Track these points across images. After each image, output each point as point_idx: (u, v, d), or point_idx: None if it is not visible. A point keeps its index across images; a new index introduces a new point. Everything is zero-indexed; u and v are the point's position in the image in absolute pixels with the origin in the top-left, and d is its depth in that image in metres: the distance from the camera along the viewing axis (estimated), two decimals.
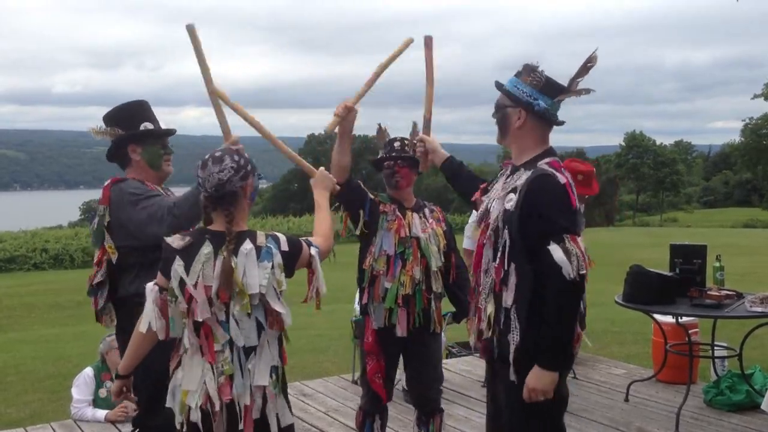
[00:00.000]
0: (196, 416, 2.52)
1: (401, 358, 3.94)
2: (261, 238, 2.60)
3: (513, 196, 2.71)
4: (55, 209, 79.85)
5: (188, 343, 2.57)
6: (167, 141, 3.46)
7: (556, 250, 2.55)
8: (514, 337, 2.66)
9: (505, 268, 2.70)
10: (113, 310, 3.37)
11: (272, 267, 2.56)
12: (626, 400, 5.31)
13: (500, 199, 2.79)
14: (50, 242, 23.56)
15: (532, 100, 2.76)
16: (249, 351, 2.57)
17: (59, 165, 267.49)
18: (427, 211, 3.95)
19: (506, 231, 2.70)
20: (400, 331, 3.75)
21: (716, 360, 5.49)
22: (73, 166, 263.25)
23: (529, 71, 2.80)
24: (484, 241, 2.82)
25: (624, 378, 5.78)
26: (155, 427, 3.26)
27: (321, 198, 3.03)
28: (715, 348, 5.43)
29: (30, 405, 6.01)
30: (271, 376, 2.63)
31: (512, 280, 2.68)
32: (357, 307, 5.77)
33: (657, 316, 5.41)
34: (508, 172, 2.90)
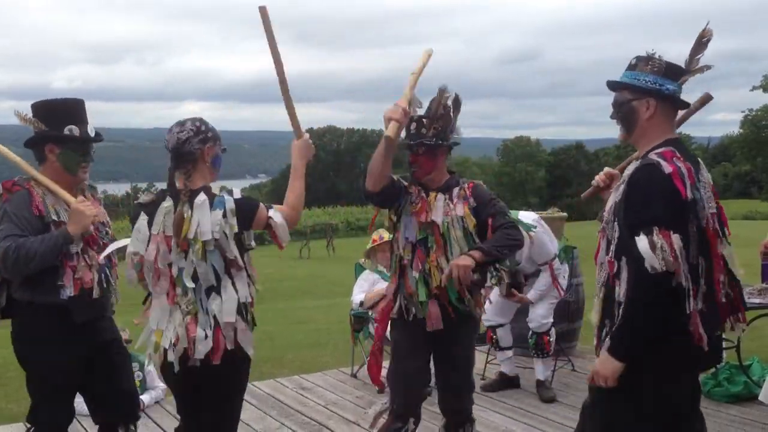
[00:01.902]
0: (172, 356, 2.81)
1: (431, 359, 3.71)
2: (216, 191, 2.87)
3: (622, 187, 2.67)
4: None
5: (154, 289, 2.88)
6: (90, 148, 3.35)
7: (641, 241, 2.48)
8: None
9: (617, 261, 2.64)
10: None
11: (224, 214, 2.79)
12: None
13: (615, 190, 2.75)
14: None
15: (659, 86, 2.68)
16: (209, 291, 2.81)
17: None
18: (456, 190, 3.59)
19: (615, 223, 2.66)
20: (429, 325, 3.51)
21: None
22: None
23: (646, 60, 2.73)
24: (600, 235, 2.78)
25: None
26: (47, 422, 3.31)
27: (299, 164, 3.13)
28: None
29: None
30: (240, 313, 2.85)
31: (623, 274, 2.61)
32: (355, 299, 5.78)
33: None
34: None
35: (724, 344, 5.57)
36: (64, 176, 3.27)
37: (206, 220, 2.78)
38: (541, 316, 5.34)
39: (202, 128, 2.90)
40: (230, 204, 2.82)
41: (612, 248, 2.67)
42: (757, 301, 4.67)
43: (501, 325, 5.47)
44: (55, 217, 3.15)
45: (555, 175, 65.19)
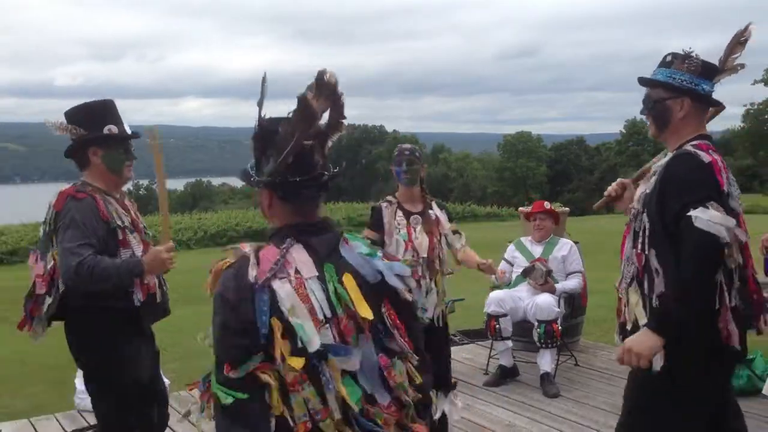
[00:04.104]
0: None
1: None
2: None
3: (654, 178, 2.63)
4: None
5: None
6: (131, 145, 3.35)
7: (700, 214, 2.40)
8: None
9: (646, 253, 2.59)
10: (47, 323, 3.34)
11: None
12: None
13: (644, 182, 2.73)
14: None
15: (695, 86, 2.66)
16: None
17: (59, 158, 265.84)
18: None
19: (644, 214, 2.62)
20: None
21: None
22: None
23: (682, 59, 2.70)
24: (627, 230, 2.73)
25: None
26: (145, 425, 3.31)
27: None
28: None
29: (34, 396, 6.03)
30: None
31: (653, 266, 2.57)
32: None
33: None
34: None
35: None
36: (110, 178, 3.27)
37: None
38: (551, 304, 5.36)
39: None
40: None
41: (640, 241, 2.62)
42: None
43: (504, 315, 5.48)
44: (119, 223, 3.18)
45: (556, 171, 65.11)
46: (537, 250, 5.77)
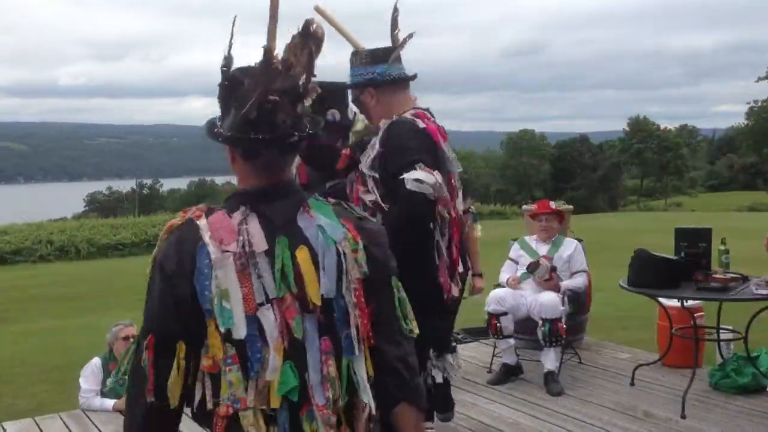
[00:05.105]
0: None
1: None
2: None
3: (377, 141, 2.97)
4: (59, 201, 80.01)
5: None
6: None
7: (409, 175, 2.79)
8: None
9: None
10: None
11: None
12: (632, 384, 5.32)
13: (370, 147, 3.04)
14: (55, 234, 23.59)
15: (370, 75, 2.99)
16: None
17: (62, 157, 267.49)
18: None
19: (375, 174, 2.96)
20: None
21: (722, 343, 5.49)
22: (76, 159, 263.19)
23: (354, 56, 3.05)
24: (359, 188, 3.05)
25: (629, 362, 5.79)
26: None
27: None
28: (721, 331, 5.42)
29: (38, 396, 6.05)
30: None
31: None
32: None
33: (662, 300, 5.40)
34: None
35: (731, 335, 5.58)
36: None
37: None
38: (555, 302, 5.35)
39: None
40: None
41: (377, 195, 2.96)
42: (765, 292, 4.65)
43: (505, 314, 5.47)
44: None
45: (559, 168, 65.08)
46: (542, 250, 5.76)
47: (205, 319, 1.62)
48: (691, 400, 4.82)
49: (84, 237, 23.69)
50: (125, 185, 76.49)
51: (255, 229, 1.66)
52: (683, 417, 4.61)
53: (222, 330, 1.61)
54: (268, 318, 1.63)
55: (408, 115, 2.92)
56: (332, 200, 1.81)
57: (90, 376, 5.07)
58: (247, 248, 1.64)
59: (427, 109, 3.04)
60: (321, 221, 1.72)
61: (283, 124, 1.67)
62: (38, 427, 4.88)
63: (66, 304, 12.24)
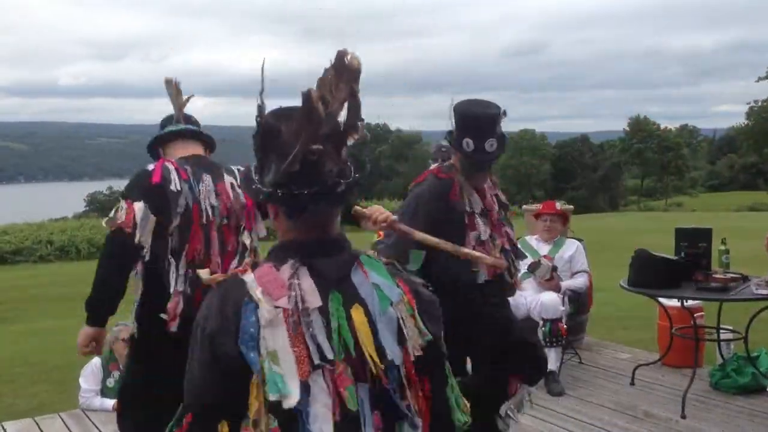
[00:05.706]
0: None
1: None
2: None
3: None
4: (59, 201, 79.95)
5: None
6: None
7: None
8: None
9: None
10: None
11: None
12: (632, 384, 5.32)
13: None
14: (56, 234, 23.57)
15: None
16: None
17: (62, 157, 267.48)
18: None
19: None
20: None
21: (722, 343, 5.49)
22: (77, 158, 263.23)
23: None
24: None
25: (629, 362, 5.79)
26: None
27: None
28: (721, 331, 5.42)
29: (38, 396, 6.04)
30: None
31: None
32: None
33: (662, 300, 5.40)
34: None
35: (731, 335, 5.57)
36: None
37: None
38: (556, 302, 5.35)
39: None
40: None
41: None
42: (765, 292, 4.65)
43: None
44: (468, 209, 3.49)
45: (560, 168, 65.05)
46: (543, 250, 5.76)
47: (248, 382, 1.41)
48: (691, 400, 4.82)
49: (84, 237, 23.68)
50: (125, 185, 76.21)
51: (308, 284, 1.47)
52: (683, 417, 4.61)
53: (270, 398, 1.38)
54: (320, 385, 1.42)
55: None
56: (384, 259, 1.62)
57: (90, 376, 5.08)
58: (300, 305, 1.44)
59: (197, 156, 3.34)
60: (375, 279, 1.53)
61: (330, 174, 1.47)
62: (38, 427, 4.89)
63: (66, 304, 12.22)
